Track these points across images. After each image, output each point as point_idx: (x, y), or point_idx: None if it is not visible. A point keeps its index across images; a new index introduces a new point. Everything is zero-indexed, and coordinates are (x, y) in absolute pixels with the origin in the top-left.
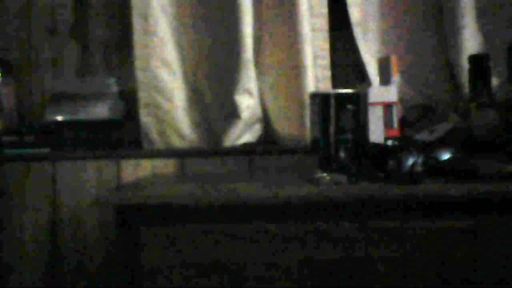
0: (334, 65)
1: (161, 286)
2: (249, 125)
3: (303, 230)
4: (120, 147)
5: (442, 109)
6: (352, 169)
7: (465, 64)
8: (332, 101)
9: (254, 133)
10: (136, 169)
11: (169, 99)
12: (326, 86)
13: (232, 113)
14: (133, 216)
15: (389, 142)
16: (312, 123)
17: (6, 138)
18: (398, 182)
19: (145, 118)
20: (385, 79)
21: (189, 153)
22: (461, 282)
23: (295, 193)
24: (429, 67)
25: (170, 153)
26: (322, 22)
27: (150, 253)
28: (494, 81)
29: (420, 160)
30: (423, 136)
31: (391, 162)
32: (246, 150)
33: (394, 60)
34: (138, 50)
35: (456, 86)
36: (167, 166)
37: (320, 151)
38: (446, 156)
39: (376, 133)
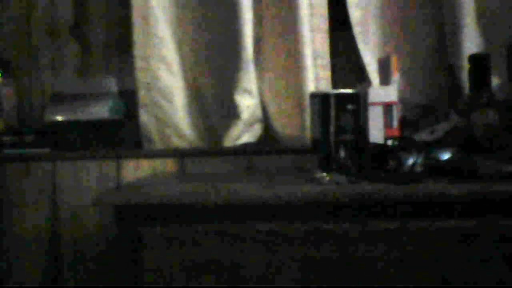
0: (334, 65)
1: (161, 286)
2: (249, 125)
3: (303, 230)
4: (120, 147)
5: (442, 109)
6: (352, 169)
7: (465, 64)
8: (332, 101)
9: (254, 133)
10: (136, 169)
11: (169, 99)
12: (326, 86)
13: (232, 113)
14: (133, 216)
15: (389, 142)
16: (312, 123)
17: (6, 138)
18: (398, 182)
19: (145, 118)
20: (385, 79)
21: (189, 153)
22: (461, 282)
23: (295, 193)
24: (429, 67)
25: (170, 153)
26: (322, 22)
27: (150, 253)
28: (494, 81)
29: (420, 160)
30: (423, 136)
31: (391, 162)
32: (246, 150)
33: (394, 60)
34: (138, 50)
35: (456, 86)
36: (167, 166)
37: (320, 151)
38: (446, 156)
39: (376, 133)
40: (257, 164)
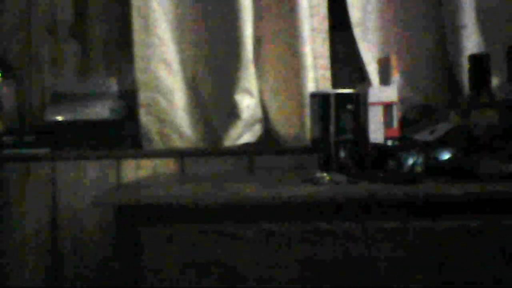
0: (334, 65)
1: (161, 286)
2: (249, 125)
3: (303, 230)
4: (120, 147)
5: (442, 109)
6: (352, 169)
7: (465, 64)
8: (332, 101)
9: (254, 133)
10: (136, 169)
11: (169, 99)
12: (326, 86)
13: (232, 113)
14: (133, 216)
15: (389, 142)
16: (312, 123)
17: (6, 138)
18: (398, 182)
19: (145, 118)
20: (385, 79)
21: (189, 153)
22: (461, 282)
23: (295, 193)
24: (429, 67)
25: (170, 153)
26: (322, 22)
27: (150, 253)
28: (494, 81)
29: (420, 160)
30: (423, 136)
31: (391, 162)
32: (246, 150)
33: (394, 60)
34: (138, 50)
35: (456, 86)
36: (167, 166)
37: (320, 151)
38: (446, 156)
39: (376, 133)
40: (257, 164)
